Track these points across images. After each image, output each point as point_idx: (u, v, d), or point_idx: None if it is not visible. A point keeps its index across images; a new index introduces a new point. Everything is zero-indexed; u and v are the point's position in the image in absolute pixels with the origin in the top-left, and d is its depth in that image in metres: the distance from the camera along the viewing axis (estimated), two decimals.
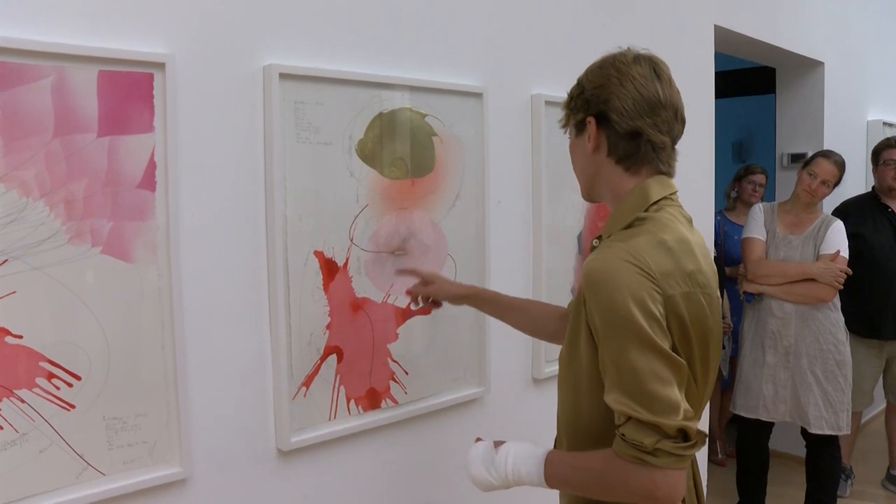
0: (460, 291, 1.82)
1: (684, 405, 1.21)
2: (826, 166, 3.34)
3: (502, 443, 1.44)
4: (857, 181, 3.98)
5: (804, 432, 3.43)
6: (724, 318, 3.91)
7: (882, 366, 3.94)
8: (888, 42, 5.12)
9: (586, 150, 1.42)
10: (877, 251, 3.72)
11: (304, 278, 1.71)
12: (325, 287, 1.75)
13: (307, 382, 1.72)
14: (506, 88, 2.20)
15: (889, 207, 3.83)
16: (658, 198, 1.37)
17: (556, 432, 1.50)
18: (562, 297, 2.36)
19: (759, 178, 4.29)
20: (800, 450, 3.58)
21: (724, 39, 3.32)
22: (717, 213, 4.14)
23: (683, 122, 1.42)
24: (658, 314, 1.22)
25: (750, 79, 4.84)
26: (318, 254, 1.73)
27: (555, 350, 2.34)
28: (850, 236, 3.38)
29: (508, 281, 2.21)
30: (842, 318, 3.36)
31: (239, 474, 1.65)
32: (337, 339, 1.78)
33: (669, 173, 1.42)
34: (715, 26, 3.15)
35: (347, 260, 1.79)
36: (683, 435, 1.21)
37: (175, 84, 1.49)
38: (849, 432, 3.45)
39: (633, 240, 1.28)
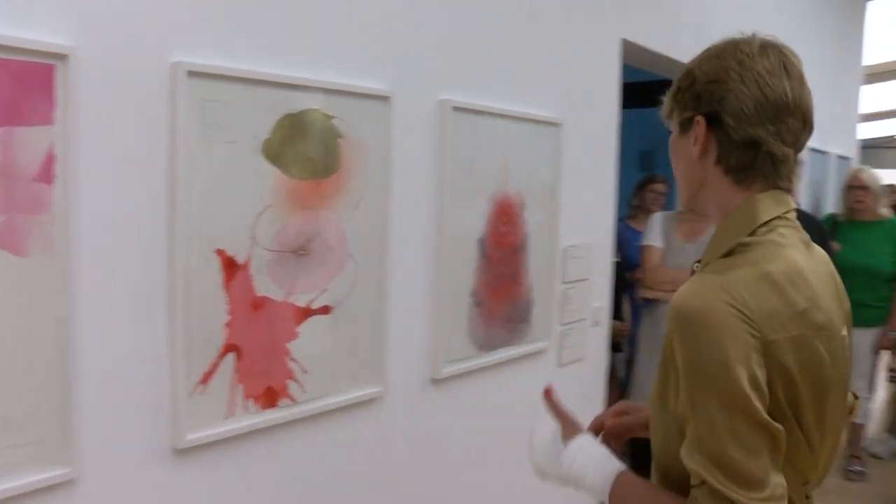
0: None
1: (777, 480, 1.03)
2: None
3: (574, 434, 1.32)
4: None
5: None
6: (623, 321, 4.05)
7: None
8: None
9: (691, 154, 1.22)
10: None
11: (204, 276, 1.70)
12: (226, 285, 1.75)
13: (205, 380, 1.72)
14: (413, 93, 2.23)
15: None
16: (769, 218, 1.16)
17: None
18: (461, 300, 2.43)
19: (660, 187, 4.45)
20: None
21: (632, 53, 3.43)
22: (620, 220, 4.27)
23: (811, 129, 1.20)
24: (755, 366, 1.03)
25: (658, 90, 4.99)
26: (220, 252, 1.73)
27: (455, 349, 2.42)
28: None
29: (409, 283, 2.26)
30: None
31: (132, 473, 1.63)
32: (236, 338, 1.78)
33: (789, 189, 1.22)
34: (622, 40, 3.26)
35: (249, 259, 1.80)
36: None
37: (78, 77, 1.46)
38: None
39: (731, 272, 1.09)
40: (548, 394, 1.45)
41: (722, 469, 1.01)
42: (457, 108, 2.33)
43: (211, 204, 1.71)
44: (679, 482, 1.12)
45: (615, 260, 3.54)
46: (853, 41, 7.40)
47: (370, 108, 2.07)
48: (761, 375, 1.04)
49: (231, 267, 1.76)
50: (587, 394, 3.24)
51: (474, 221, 2.46)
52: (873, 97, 11.53)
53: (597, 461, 1.25)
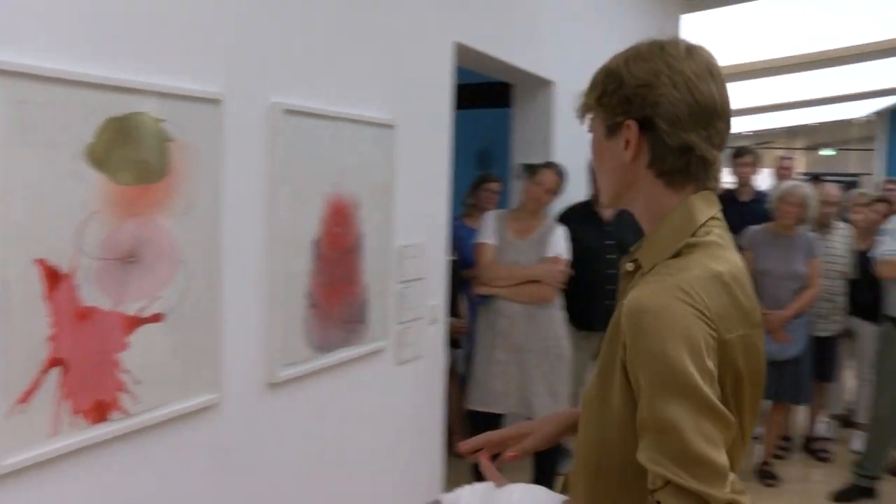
0: (559, 428, 1.47)
1: (731, 471, 1.03)
2: (550, 176, 3.67)
3: (504, 483, 1.29)
4: (582, 190, 4.38)
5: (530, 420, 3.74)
6: (460, 318, 4.17)
7: (593, 355, 4.36)
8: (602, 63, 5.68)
9: (621, 158, 1.20)
10: (590, 254, 4.07)
11: (22, 288, 1.63)
12: (48, 297, 1.68)
13: (25, 398, 1.64)
14: (245, 96, 2.21)
15: (600, 214, 4.23)
16: (705, 219, 1.18)
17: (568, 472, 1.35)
18: (297, 303, 2.43)
19: (494, 185, 4.60)
20: None
21: (465, 56, 3.52)
22: (456, 218, 4.38)
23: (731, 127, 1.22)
24: (712, 364, 1.05)
25: (495, 92, 5.14)
26: (41, 262, 1.66)
27: (292, 352, 2.41)
28: (570, 240, 3.73)
29: (243, 287, 2.24)
30: (563, 316, 3.72)
31: None
32: (61, 351, 1.71)
33: (716, 189, 1.24)
34: (455, 43, 3.34)
35: (74, 268, 1.73)
36: None
37: None
38: None
39: (685, 273, 1.09)
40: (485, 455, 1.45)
41: (688, 468, 0.99)
42: (289, 111, 2.33)
43: (29, 211, 1.63)
44: (614, 476, 1.15)
45: (451, 258, 3.63)
46: None
47: (201, 112, 2.04)
48: (716, 374, 1.05)
49: (53, 277, 1.69)
50: (426, 390, 3.32)
51: (308, 223, 2.47)
52: None
53: (534, 500, 1.26)
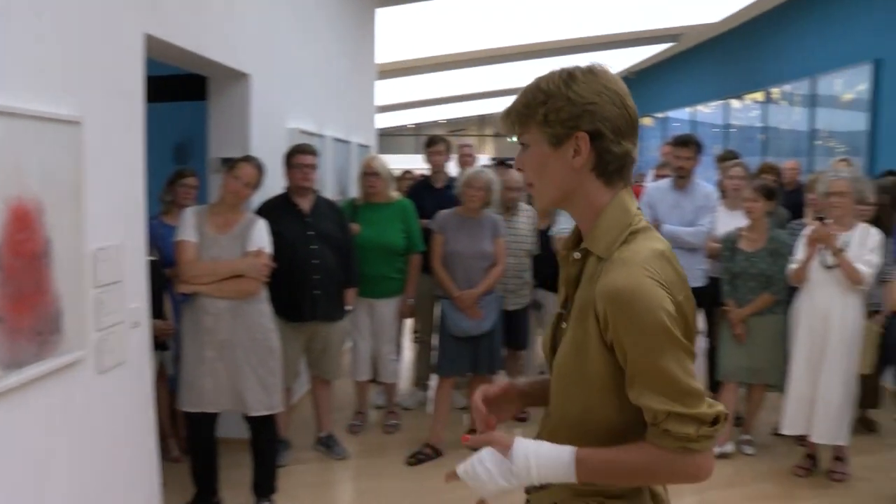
0: (519, 406, 1.74)
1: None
2: (248, 170, 3.67)
3: (509, 444, 1.42)
4: (280, 183, 4.42)
5: (246, 416, 3.73)
6: (166, 319, 4.05)
7: (303, 344, 4.47)
8: (305, 58, 5.76)
9: (569, 165, 1.42)
10: (292, 245, 4.17)
11: None
12: None
13: None
14: None
15: (298, 206, 4.33)
16: (635, 209, 1.45)
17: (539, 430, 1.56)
18: None
19: (192, 180, 4.49)
20: (244, 432, 3.87)
21: (156, 48, 3.40)
22: (154, 216, 4.23)
23: None
24: (677, 319, 1.33)
25: (192, 84, 5.00)
26: None
27: None
28: (271, 233, 3.77)
29: None
30: (270, 309, 3.75)
31: None
32: None
33: (630, 184, 1.50)
34: (146, 35, 3.22)
35: None
36: (715, 419, 1.32)
37: None
38: (283, 409, 3.88)
39: (642, 254, 1.36)
40: (465, 439, 1.53)
41: (683, 401, 1.30)
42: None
43: None
44: (601, 430, 1.40)
45: (151, 258, 3.52)
46: (367, 42, 8.14)
47: None
48: (679, 324, 1.34)
49: None
50: (134, 397, 3.20)
51: None
52: (386, 91, 12.84)
53: (549, 459, 1.39)
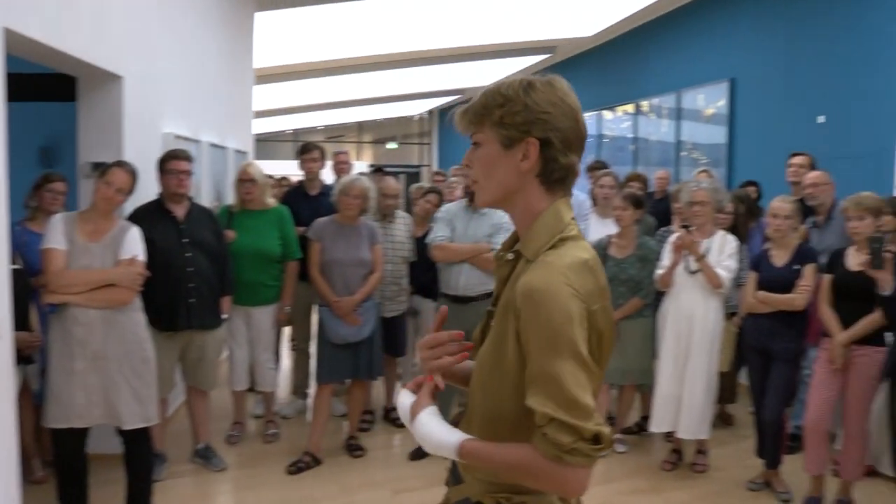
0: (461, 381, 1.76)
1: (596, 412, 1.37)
2: (120, 175, 3.55)
3: (416, 413, 1.53)
4: (154, 189, 4.30)
5: (119, 429, 3.60)
6: (32, 331, 3.86)
7: (178, 354, 4.37)
8: (181, 61, 5.62)
9: (517, 167, 1.48)
10: (167, 253, 4.09)
11: None
12: None
13: None
14: None
15: (173, 212, 4.23)
16: (569, 219, 1.51)
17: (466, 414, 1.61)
18: None
19: (59, 185, 4.32)
20: (117, 447, 3.73)
21: (17, 44, 3.26)
22: (17, 222, 4.04)
23: None
24: (584, 329, 1.38)
25: (60, 84, 4.79)
26: None
27: None
28: (145, 241, 3.66)
29: None
30: (144, 318, 3.64)
31: None
32: None
33: (570, 196, 1.56)
34: (5, 29, 3.08)
35: None
36: (595, 438, 1.34)
37: None
38: (158, 421, 3.77)
39: (565, 261, 1.41)
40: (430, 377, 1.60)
41: (566, 408, 1.33)
42: None
43: None
44: (508, 420, 1.46)
45: (15, 267, 3.36)
46: (245, 46, 8.03)
47: None
48: (586, 335, 1.39)
49: None
50: None
51: None
52: (265, 96, 12.66)
53: (437, 440, 1.49)
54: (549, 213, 1.50)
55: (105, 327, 3.45)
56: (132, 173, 3.61)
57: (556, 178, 1.50)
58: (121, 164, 3.63)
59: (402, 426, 5.39)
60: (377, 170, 9.02)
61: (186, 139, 5.48)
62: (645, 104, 10.36)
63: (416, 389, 1.61)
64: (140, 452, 3.71)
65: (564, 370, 1.35)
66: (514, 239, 1.60)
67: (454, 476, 1.65)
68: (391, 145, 21.56)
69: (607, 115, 11.60)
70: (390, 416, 5.58)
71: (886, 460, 4.12)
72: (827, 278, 4.16)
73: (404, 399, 1.60)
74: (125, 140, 4.45)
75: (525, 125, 1.46)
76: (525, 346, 1.40)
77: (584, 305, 1.39)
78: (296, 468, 4.54)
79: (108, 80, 4.37)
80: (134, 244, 3.56)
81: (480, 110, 1.52)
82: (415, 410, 1.55)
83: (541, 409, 1.35)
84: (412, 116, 21.18)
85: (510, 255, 1.56)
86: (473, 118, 1.53)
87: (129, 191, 3.62)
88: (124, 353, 3.50)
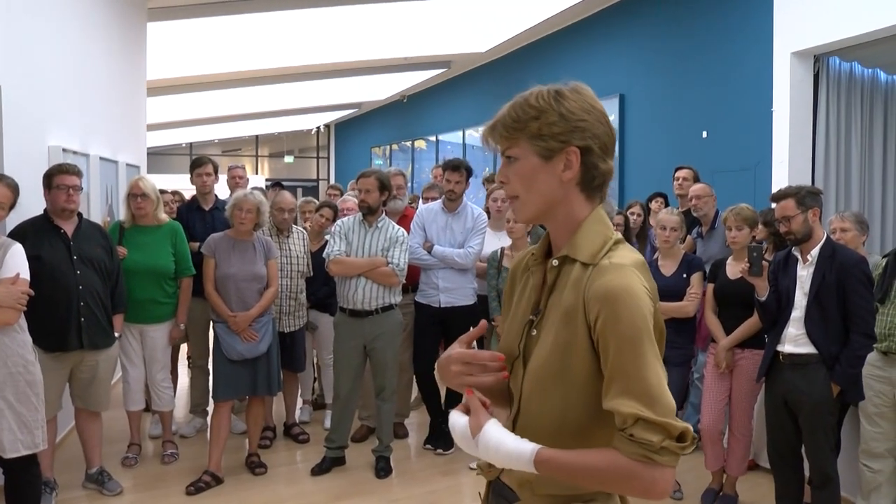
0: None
1: None
2: (1, 190, 3.42)
3: (479, 426, 1.45)
4: (39, 204, 4.14)
5: (0, 459, 3.39)
6: None
7: (67, 375, 4.22)
8: (67, 71, 5.44)
9: (559, 178, 1.47)
10: (55, 270, 3.95)
11: None
12: None
13: None
14: None
15: (62, 228, 4.09)
16: (610, 223, 1.52)
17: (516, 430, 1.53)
18: None
19: None
20: None
21: None
22: None
23: None
24: (653, 327, 1.37)
25: None
26: None
27: None
28: (29, 259, 3.52)
29: None
30: (29, 339, 3.47)
31: None
32: None
33: (605, 200, 1.57)
34: None
35: None
36: (681, 436, 1.31)
37: None
38: (46, 447, 3.61)
39: (628, 261, 1.42)
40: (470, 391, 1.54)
41: (653, 407, 1.30)
42: None
43: None
44: (577, 426, 1.43)
45: None
46: (137, 57, 7.82)
47: None
48: (653, 334, 1.38)
49: None
50: None
51: None
52: (159, 109, 12.36)
53: (508, 454, 1.42)
54: (593, 218, 1.51)
55: None
56: (12, 188, 3.47)
57: (596, 185, 1.51)
58: (0, 178, 3.49)
59: (303, 441, 5.40)
60: (275, 184, 8.94)
61: (75, 153, 5.30)
62: None
63: (466, 411, 1.52)
64: (25, 482, 3.50)
65: (648, 369, 1.33)
66: (546, 246, 1.60)
67: (496, 498, 1.62)
68: (288, 159, 21.34)
69: None
70: (291, 432, 5.53)
71: (765, 454, 4.33)
72: (710, 287, 4.38)
73: (457, 419, 1.51)
74: (5, 153, 4.25)
75: (564, 135, 1.46)
76: (603, 347, 1.37)
77: (652, 301, 1.40)
78: (195, 488, 4.43)
79: None
80: (16, 262, 3.39)
81: (513, 125, 1.50)
82: (477, 425, 1.46)
83: (626, 410, 1.31)
84: (309, 130, 21.03)
85: (555, 262, 1.53)
86: (505, 133, 1.52)
87: (10, 206, 3.48)
88: (8, 376, 3.33)
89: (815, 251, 3.76)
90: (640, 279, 1.40)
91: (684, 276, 4.43)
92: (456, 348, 1.58)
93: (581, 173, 1.48)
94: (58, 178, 4.06)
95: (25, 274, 3.42)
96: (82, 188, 4.24)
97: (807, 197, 3.76)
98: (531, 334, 1.53)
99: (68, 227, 4.11)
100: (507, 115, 1.52)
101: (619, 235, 1.53)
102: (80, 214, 4.24)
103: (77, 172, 4.14)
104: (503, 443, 1.43)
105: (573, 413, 1.44)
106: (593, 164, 1.48)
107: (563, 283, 1.49)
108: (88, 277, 4.11)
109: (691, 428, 1.38)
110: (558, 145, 1.46)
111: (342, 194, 6.74)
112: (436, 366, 1.63)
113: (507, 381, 1.59)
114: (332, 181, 19.84)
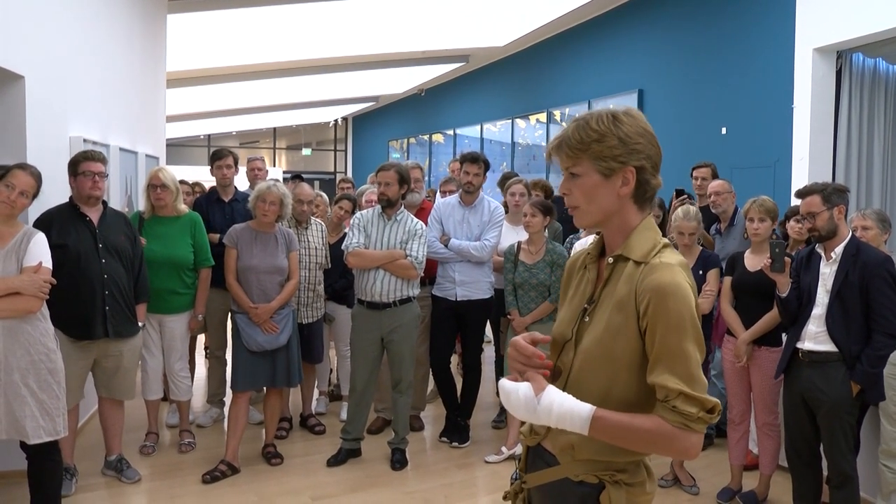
0: None
1: None
2: (22, 178, 3.43)
3: (542, 388, 1.66)
4: (63, 194, 4.17)
5: (24, 445, 3.47)
6: None
7: (90, 364, 4.24)
8: (89, 62, 5.46)
9: (616, 193, 1.70)
10: (81, 259, 3.98)
11: None
12: None
13: None
14: None
15: (87, 216, 4.12)
16: (658, 229, 1.76)
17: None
18: None
19: None
20: (21, 463, 3.60)
21: None
22: None
23: None
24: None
25: None
26: None
27: None
28: (55, 246, 3.54)
29: None
30: (51, 328, 3.50)
31: None
32: None
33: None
34: None
35: None
36: (712, 409, 1.59)
37: None
38: (67, 434, 3.64)
39: (676, 262, 1.66)
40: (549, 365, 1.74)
41: (692, 385, 1.58)
42: None
43: None
44: (622, 400, 1.66)
45: None
46: (157, 49, 7.84)
47: None
48: None
49: None
50: None
51: None
52: (178, 100, 12.41)
53: (570, 412, 1.63)
54: (645, 225, 1.75)
55: (9, 337, 3.32)
56: (36, 176, 3.49)
57: (647, 197, 1.75)
58: (23, 166, 3.51)
59: (320, 433, 5.41)
60: (295, 176, 8.94)
61: (95, 143, 5.33)
62: (557, 113, 10.58)
63: (516, 379, 1.73)
64: (47, 468, 3.55)
65: (690, 352, 1.60)
66: (600, 247, 1.84)
67: (534, 461, 1.86)
68: (305, 151, 21.39)
69: (520, 123, 11.79)
70: (308, 423, 5.54)
71: (783, 452, 4.30)
72: (727, 280, 4.35)
73: (512, 385, 1.70)
74: (29, 143, 4.28)
75: (623, 157, 1.68)
76: (650, 333, 1.62)
77: (694, 297, 1.64)
78: (212, 477, 4.46)
79: (7, 79, 4.21)
80: (39, 250, 3.43)
81: (577, 146, 1.71)
82: (540, 387, 1.67)
83: (672, 385, 1.58)
84: (327, 123, 21.07)
85: (610, 260, 1.77)
86: (570, 153, 1.73)
87: (34, 194, 3.50)
88: (30, 364, 3.37)
89: (839, 249, 3.73)
90: (685, 276, 1.64)
91: (700, 272, 4.41)
92: (522, 337, 1.79)
93: (635, 188, 1.71)
94: (83, 164, 4.09)
95: (48, 262, 3.45)
96: (107, 175, 4.27)
97: (833, 194, 3.72)
98: (584, 320, 1.78)
99: (94, 215, 4.14)
100: (572, 136, 1.72)
101: (666, 240, 1.75)
102: (104, 202, 4.27)
103: (102, 159, 4.17)
104: (566, 399, 1.65)
105: (617, 388, 1.68)
106: (646, 180, 1.72)
107: (616, 278, 1.73)
108: (113, 266, 4.14)
109: (719, 402, 1.61)
110: (618, 165, 1.69)
111: (355, 188, 6.76)
112: (510, 342, 1.80)
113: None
114: (349, 174, 19.88)
